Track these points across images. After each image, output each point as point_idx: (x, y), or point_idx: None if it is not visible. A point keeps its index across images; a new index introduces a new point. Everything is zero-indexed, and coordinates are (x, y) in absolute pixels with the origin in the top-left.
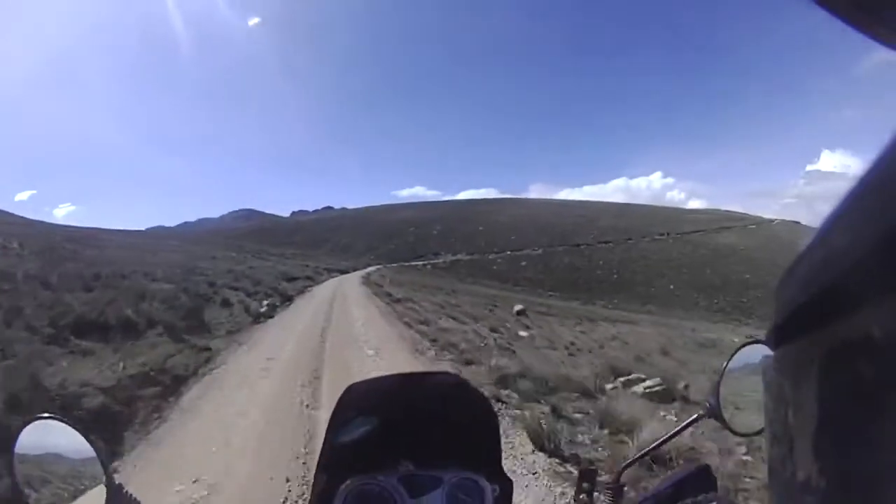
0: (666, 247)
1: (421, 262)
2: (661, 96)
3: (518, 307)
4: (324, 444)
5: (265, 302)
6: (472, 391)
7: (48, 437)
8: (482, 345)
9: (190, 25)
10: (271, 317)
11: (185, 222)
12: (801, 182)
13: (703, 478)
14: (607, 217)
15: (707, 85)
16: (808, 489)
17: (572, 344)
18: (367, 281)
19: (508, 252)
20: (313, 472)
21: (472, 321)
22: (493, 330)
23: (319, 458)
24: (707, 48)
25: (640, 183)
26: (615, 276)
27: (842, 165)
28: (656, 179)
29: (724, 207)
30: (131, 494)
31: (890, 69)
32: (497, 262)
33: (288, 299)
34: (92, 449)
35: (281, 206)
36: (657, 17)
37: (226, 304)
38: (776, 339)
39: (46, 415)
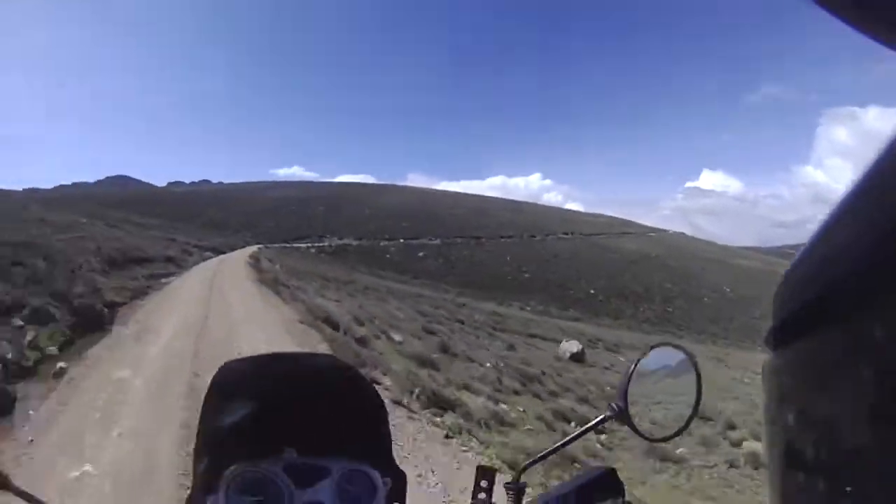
0: (573, 247)
1: (304, 245)
2: (545, 99)
3: (570, 346)
4: (200, 425)
5: None
6: (359, 377)
7: None
8: None
9: None
10: None
11: (61, 185)
12: (679, 196)
13: (608, 481)
14: (503, 211)
15: (592, 93)
16: (808, 491)
17: None
18: (259, 272)
19: (402, 240)
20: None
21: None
22: None
23: (197, 440)
24: (596, 60)
25: (518, 182)
26: (526, 274)
27: (721, 185)
28: (535, 180)
29: (601, 213)
30: (19, 486)
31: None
32: (390, 250)
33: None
34: None
35: (158, 175)
36: (548, 23)
37: None
38: (776, 339)
39: None
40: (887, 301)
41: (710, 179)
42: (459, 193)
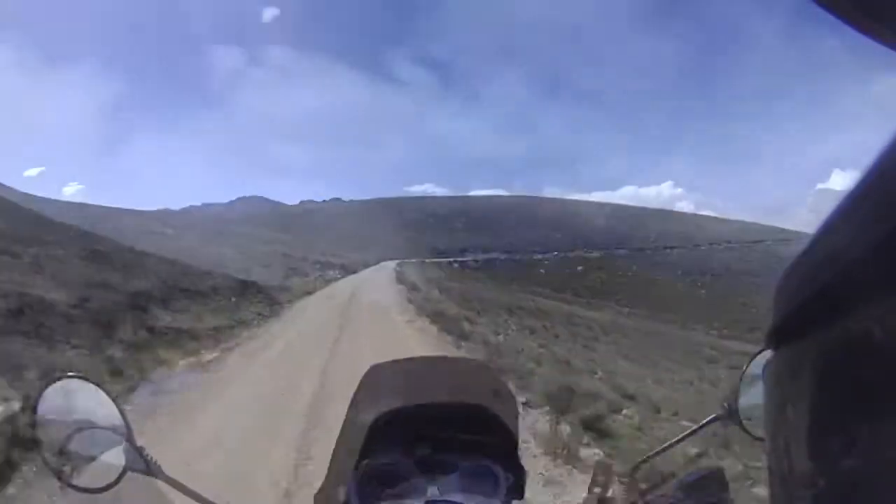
0: (739, 257)
1: (446, 260)
2: (670, 106)
3: None
4: (344, 424)
5: None
6: (494, 378)
7: (71, 397)
8: None
9: (203, 10)
10: None
11: (191, 206)
12: (811, 200)
13: (715, 481)
14: (655, 220)
15: (715, 98)
16: (807, 489)
17: None
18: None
19: (556, 253)
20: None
21: None
22: None
23: (339, 438)
24: (715, 62)
25: (649, 192)
26: (702, 290)
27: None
28: (666, 189)
29: (742, 220)
30: (151, 456)
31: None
32: (544, 263)
33: None
34: (115, 408)
35: (290, 195)
36: (669, 30)
37: None
38: (776, 339)
39: (71, 373)
40: (887, 301)
41: (843, 181)
42: (607, 204)
